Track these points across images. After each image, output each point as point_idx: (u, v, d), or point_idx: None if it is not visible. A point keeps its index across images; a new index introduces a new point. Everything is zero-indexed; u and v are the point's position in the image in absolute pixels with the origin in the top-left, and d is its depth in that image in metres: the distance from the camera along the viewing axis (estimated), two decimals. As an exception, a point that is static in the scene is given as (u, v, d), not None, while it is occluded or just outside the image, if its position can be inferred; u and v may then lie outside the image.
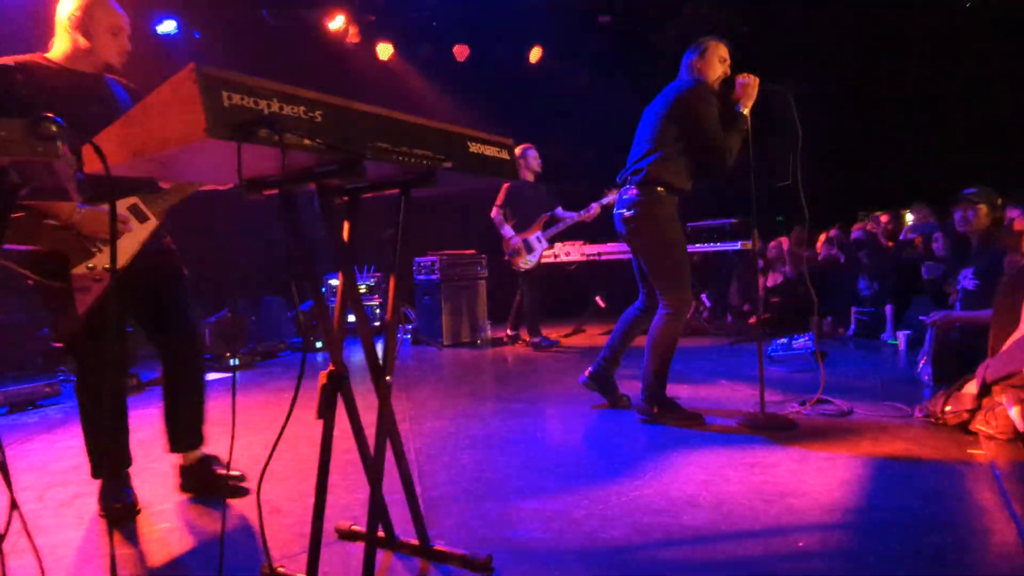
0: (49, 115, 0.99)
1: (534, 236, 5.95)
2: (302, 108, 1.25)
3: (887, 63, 8.50)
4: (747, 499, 2.13)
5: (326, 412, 1.57)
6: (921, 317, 4.23)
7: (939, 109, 8.28)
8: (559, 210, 6.09)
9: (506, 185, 5.87)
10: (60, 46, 2.18)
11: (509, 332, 6.37)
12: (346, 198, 1.69)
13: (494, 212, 5.99)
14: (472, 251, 6.82)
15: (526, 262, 5.89)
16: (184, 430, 2.39)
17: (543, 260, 6.07)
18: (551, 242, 6.23)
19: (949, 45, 7.98)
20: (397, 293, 1.76)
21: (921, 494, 2.11)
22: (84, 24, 2.15)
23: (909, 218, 7.33)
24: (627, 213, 3.16)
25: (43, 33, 2.22)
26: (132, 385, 4.36)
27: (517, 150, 5.85)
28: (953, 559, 1.68)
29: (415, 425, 3.27)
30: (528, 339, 6.08)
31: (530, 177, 6.00)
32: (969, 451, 2.53)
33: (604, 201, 5.77)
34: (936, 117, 8.30)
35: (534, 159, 5.99)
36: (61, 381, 4.45)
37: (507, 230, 5.91)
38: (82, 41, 2.16)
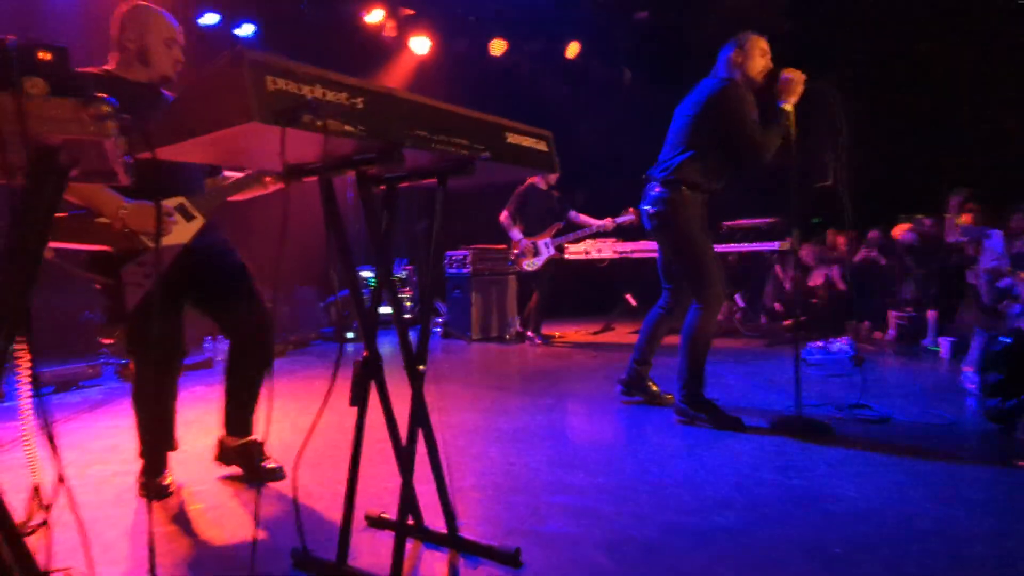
0: (101, 95, 1.01)
1: (542, 241, 6.13)
2: (344, 95, 1.25)
3: (933, 61, 8.23)
4: (781, 502, 2.09)
5: (359, 398, 1.58)
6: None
7: (988, 110, 8.00)
8: (572, 213, 6.21)
9: (518, 191, 6.12)
10: (117, 58, 2.24)
11: (518, 329, 6.54)
12: (383, 187, 1.70)
13: (503, 216, 6.17)
14: (503, 246, 6.81)
15: (531, 264, 6.14)
16: (244, 414, 2.38)
17: (574, 256, 6.13)
18: (567, 245, 6.34)
19: (998, 45, 7.71)
20: (430, 282, 1.77)
21: (964, 503, 2.05)
22: (139, 36, 2.21)
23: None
24: (651, 210, 3.20)
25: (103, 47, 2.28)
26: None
27: None
28: (997, 570, 1.62)
29: (444, 417, 3.28)
30: (531, 335, 6.28)
31: (543, 185, 6.16)
32: (1016, 462, 2.45)
33: (620, 220, 5.91)
34: (984, 118, 8.03)
35: None
36: (103, 363, 4.58)
37: (515, 233, 6.13)
38: (137, 52, 2.22)
